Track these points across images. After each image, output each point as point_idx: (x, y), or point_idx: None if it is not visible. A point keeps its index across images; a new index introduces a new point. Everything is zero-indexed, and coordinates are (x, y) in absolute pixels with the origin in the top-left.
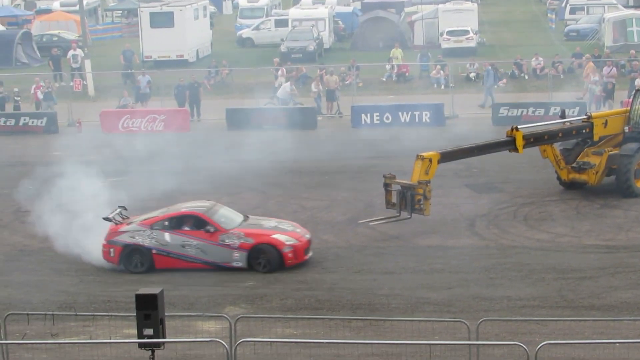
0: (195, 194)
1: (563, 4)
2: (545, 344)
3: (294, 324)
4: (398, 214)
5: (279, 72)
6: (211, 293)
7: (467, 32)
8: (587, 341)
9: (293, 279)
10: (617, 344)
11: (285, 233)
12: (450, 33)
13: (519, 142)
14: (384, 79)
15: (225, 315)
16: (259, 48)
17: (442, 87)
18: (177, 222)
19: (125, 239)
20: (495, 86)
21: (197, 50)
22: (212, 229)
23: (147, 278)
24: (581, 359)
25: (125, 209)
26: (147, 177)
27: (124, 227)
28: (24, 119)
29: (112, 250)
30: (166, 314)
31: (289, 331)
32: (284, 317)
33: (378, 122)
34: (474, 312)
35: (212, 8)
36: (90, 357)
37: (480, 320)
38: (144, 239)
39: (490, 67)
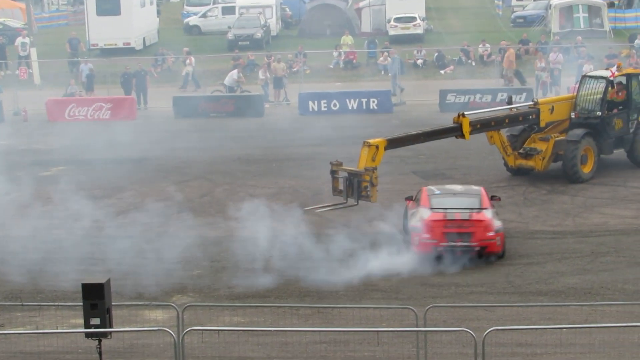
0: (142, 182)
1: None
2: (493, 330)
3: (242, 312)
4: (345, 201)
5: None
6: (159, 282)
7: (414, 18)
8: (535, 327)
9: (240, 267)
10: (564, 329)
11: None
12: (397, 20)
13: (466, 128)
14: (332, 66)
15: (172, 304)
16: (206, 35)
17: (390, 74)
18: None
19: None
20: (401, 74)
21: (144, 38)
22: None
23: (93, 267)
24: (528, 345)
25: None
26: (93, 166)
27: None
28: None
29: None
30: (113, 303)
31: (236, 319)
32: (232, 306)
33: (325, 109)
34: (422, 298)
35: None
36: (37, 347)
37: (428, 306)
38: None
39: (396, 55)
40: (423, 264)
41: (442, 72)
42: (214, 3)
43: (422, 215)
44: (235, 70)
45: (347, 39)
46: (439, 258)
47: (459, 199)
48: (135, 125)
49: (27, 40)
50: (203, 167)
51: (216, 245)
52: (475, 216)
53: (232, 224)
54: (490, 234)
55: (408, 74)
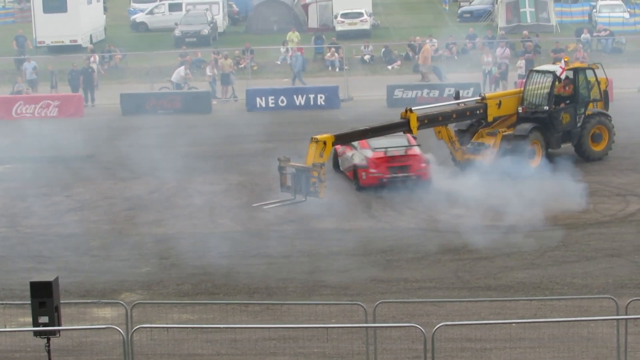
0: (90, 180)
1: None
2: (442, 325)
3: (191, 310)
4: (293, 197)
5: None
6: (107, 279)
7: (361, 14)
8: (484, 321)
9: (189, 264)
10: (514, 324)
11: None
12: (344, 15)
13: (413, 123)
14: (279, 62)
15: (121, 302)
16: (153, 32)
17: (337, 69)
18: None
19: None
20: (303, 71)
21: (91, 35)
22: None
23: (41, 265)
24: (478, 340)
25: None
26: (41, 164)
27: None
28: None
29: None
30: (61, 301)
31: (185, 317)
32: (181, 303)
33: (273, 105)
34: (371, 294)
35: None
36: None
37: (377, 302)
38: None
39: (298, 53)
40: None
41: (389, 67)
42: (160, 0)
43: (365, 155)
44: (183, 67)
45: (293, 36)
46: (382, 187)
47: (390, 139)
48: (83, 122)
49: None
50: (151, 164)
51: (165, 242)
52: (410, 152)
53: (180, 220)
54: (423, 164)
55: (355, 70)
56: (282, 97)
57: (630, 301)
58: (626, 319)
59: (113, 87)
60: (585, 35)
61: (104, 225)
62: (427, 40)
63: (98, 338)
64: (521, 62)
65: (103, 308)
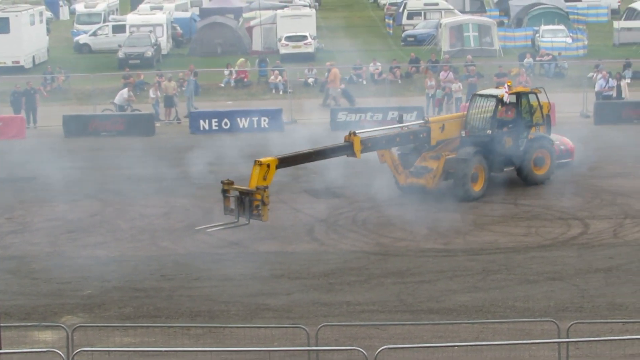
0: (32, 202)
1: (400, 10)
2: (385, 349)
3: (133, 333)
4: (236, 220)
5: None
6: (48, 302)
7: (305, 37)
8: (426, 345)
9: (131, 287)
10: (456, 347)
11: None
12: (288, 39)
13: (357, 147)
14: (223, 85)
15: (62, 325)
16: (96, 54)
17: (281, 92)
18: None
19: None
20: (196, 96)
21: (34, 56)
22: None
23: None
24: None
25: None
26: None
27: None
28: None
29: None
30: (1, 324)
31: (127, 340)
32: (122, 326)
33: (217, 127)
34: (314, 317)
35: (48, 13)
36: None
37: (320, 325)
38: None
39: (192, 77)
40: None
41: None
42: (104, 21)
43: None
44: (126, 89)
45: (241, 61)
46: None
47: None
48: (25, 144)
49: None
50: (93, 187)
51: (107, 264)
52: None
53: (122, 243)
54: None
55: (299, 93)
56: (225, 120)
57: (572, 324)
58: (567, 342)
59: (55, 109)
60: (528, 60)
61: (45, 247)
62: (372, 64)
63: None
64: (456, 86)
65: (44, 331)
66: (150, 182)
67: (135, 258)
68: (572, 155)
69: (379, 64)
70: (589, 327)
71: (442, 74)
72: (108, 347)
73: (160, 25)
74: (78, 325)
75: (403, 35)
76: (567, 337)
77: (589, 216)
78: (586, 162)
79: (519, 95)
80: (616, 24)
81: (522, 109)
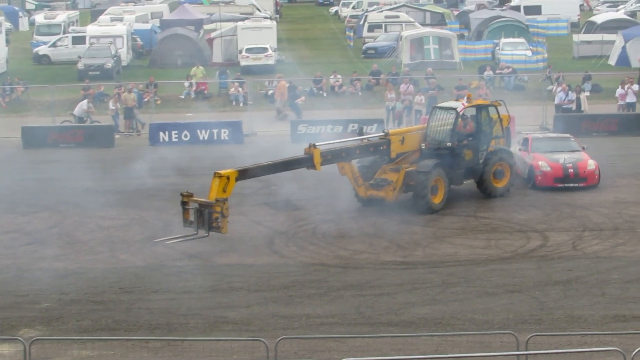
0: None
1: (361, 22)
2: None
3: (91, 346)
4: (195, 232)
5: None
6: (5, 315)
7: (265, 49)
8: (385, 357)
9: (90, 300)
10: None
11: None
12: (249, 50)
13: (317, 159)
14: (183, 97)
15: (19, 338)
16: (56, 65)
17: (241, 104)
18: None
19: None
20: (140, 108)
21: None
22: None
23: None
24: None
25: None
26: None
27: None
28: None
29: None
30: None
31: (85, 353)
32: (81, 339)
33: (176, 139)
34: (273, 330)
35: (7, 24)
36: None
37: (279, 338)
38: None
39: (136, 90)
40: None
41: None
42: (64, 32)
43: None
44: (85, 101)
45: (198, 71)
46: None
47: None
48: None
49: None
50: (52, 198)
51: (65, 277)
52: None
53: (81, 255)
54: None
55: (260, 105)
56: (185, 132)
57: (531, 337)
58: (526, 355)
59: (14, 120)
60: (488, 73)
61: (3, 260)
62: (332, 76)
63: None
64: (419, 98)
65: (1, 345)
66: (109, 194)
67: (93, 270)
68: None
69: (339, 76)
70: (547, 340)
71: (402, 87)
72: None
73: (121, 36)
74: (35, 338)
75: (364, 47)
76: (526, 350)
77: (548, 229)
78: None
79: (478, 108)
80: (576, 37)
81: (481, 122)
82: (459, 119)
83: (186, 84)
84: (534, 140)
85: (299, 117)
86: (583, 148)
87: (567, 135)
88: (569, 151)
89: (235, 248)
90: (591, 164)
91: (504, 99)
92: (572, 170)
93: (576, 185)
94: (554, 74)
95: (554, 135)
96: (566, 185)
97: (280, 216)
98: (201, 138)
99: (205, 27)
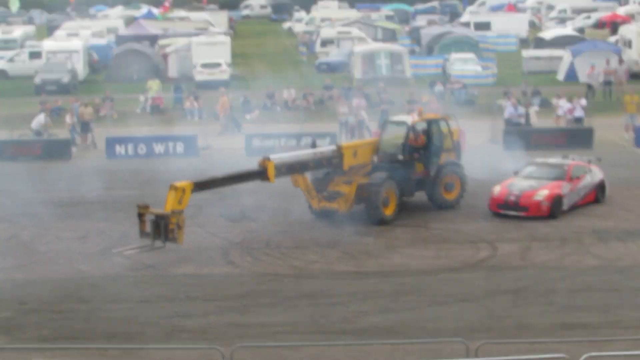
0: None
1: (314, 37)
2: None
3: (50, 354)
4: (152, 243)
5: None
6: None
7: (220, 64)
8: None
9: (49, 309)
10: None
11: None
12: (203, 65)
13: (271, 172)
14: (139, 111)
15: None
16: (13, 79)
17: (196, 118)
18: None
19: None
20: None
21: None
22: None
23: None
24: None
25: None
26: None
27: None
28: None
29: None
30: None
31: None
32: (40, 348)
33: (132, 153)
34: (229, 338)
35: None
36: None
37: (235, 346)
38: None
39: (75, 103)
40: None
41: (247, 117)
42: (21, 47)
43: None
44: (42, 114)
45: (154, 84)
46: None
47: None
48: None
49: None
50: (9, 210)
51: (24, 287)
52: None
53: (40, 266)
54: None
55: (214, 119)
56: (141, 145)
57: (480, 344)
58: None
59: None
60: (438, 87)
61: None
62: (285, 90)
63: None
64: (363, 113)
65: None
66: (66, 206)
67: (52, 281)
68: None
69: (292, 90)
70: (497, 347)
71: (355, 101)
72: None
73: (77, 51)
74: None
75: (317, 62)
76: (476, 357)
77: (497, 239)
78: (488, 186)
79: (429, 121)
80: (525, 53)
81: (432, 135)
82: (410, 133)
83: (142, 98)
84: (529, 164)
85: (239, 131)
86: (589, 161)
87: (566, 162)
88: (549, 178)
89: (191, 258)
90: (541, 195)
91: (455, 113)
92: (513, 198)
93: (515, 214)
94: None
95: (553, 161)
96: (506, 212)
97: (235, 228)
98: (157, 151)
99: (161, 42)
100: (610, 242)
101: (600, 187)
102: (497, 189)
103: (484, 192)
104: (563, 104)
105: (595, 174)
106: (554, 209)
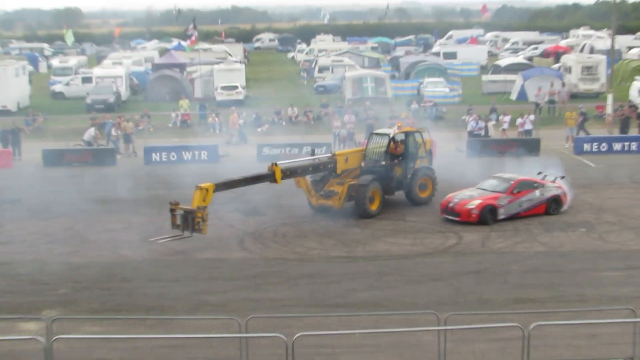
0: (18, 219)
1: (313, 65)
2: (300, 335)
3: (99, 323)
4: (182, 233)
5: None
6: (30, 299)
7: (236, 87)
8: (334, 332)
9: (98, 287)
10: (357, 334)
11: None
12: (223, 88)
13: (278, 175)
14: (171, 125)
15: (42, 317)
16: (68, 100)
17: (217, 131)
18: None
19: None
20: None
21: (18, 102)
22: None
23: None
24: (329, 346)
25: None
26: None
27: None
28: None
29: None
30: None
31: (95, 329)
32: (91, 318)
33: (166, 159)
34: (244, 310)
35: (30, 67)
36: None
37: (249, 317)
38: None
39: (109, 120)
40: None
41: (259, 130)
42: (75, 74)
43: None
44: (93, 128)
45: (184, 102)
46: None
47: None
48: (11, 172)
49: None
50: (66, 207)
51: (78, 269)
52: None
53: (91, 252)
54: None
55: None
56: (173, 153)
57: (449, 315)
58: (445, 330)
59: (36, 144)
60: (414, 106)
61: (28, 256)
62: (290, 108)
63: (24, 347)
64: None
65: (28, 322)
66: (112, 203)
67: (100, 264)
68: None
69: (295, 108)
70: (462, 318)
71: (346, 117)
72: (80, 335)
73: (120, 77)
74: (55, 317)
75: (315, 85)
76: (445, 326)
77: (462, 230)
78: (460, 185)
79: (407, 134)
80: (484, 77)
81: (409, 145)
82: (391, 143)
83: (173, 114)
84: (489, 177)
85: (246, 143)
86: (555, 179)
87: (515, 177)
88: (494, 191)
89: (213, 246)
90: (472, 204)
91: (427, 127)
92: (451, 205)
93: (452, 218)
94: (467, 106)
95: (506, 176)
96: (446, 216)
97: (249, 221)
98: (185, 158)
99: (188, 69)
100: (554, 232)
101: (554, 201)
102: (449, 196)
103: (451, 191)
104: (507, 119)
105: (549, 190)
106: (484, 217)
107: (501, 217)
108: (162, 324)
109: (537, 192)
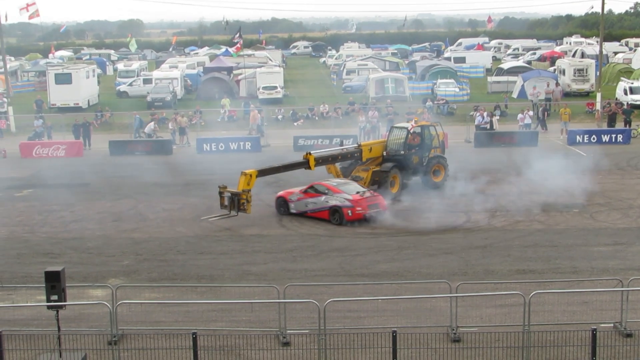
0: (87, 200)
1: (341, 68)
2: (331, 301)
3: (157, 290)
4: (229, 213)
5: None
6: (98, 270)
7: (276, 87)
8: (359, 298)
9: (156, 259)
10: (380, 300)
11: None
12: (264, 88)
13: (312, 162)
14: (219, 120)
15: (108, 285)
16: (132, 98)
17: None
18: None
19: None
20: (142, 128)
21: (88, 100)
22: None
23: (53, 260)
24: (355, 310)
25: None
26: (53, 189)
27: None
28: None
29: None
30: (67, 284)
31: (154, 295)
32: (150, 286)
33: (215, 149)
34: (282, 279)
35: (99, 70)
36: (13, 316)
37: (287, 285)
38: None
39: (137, 115)
40: None
41: (295, 124)
42: (137, 76)
43: (346, 197)
44: (152, 122)
45: (226, 101)
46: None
47: (354, 186)
48: (82, 161)
49: (5, 100)
50: (130, 190)
51: (139, 243)
52: (375, 193)
53: (150, 228)
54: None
55: (271, 125)
56: (221, 144)
57: (459, 284)
58: (456, 297)
59: (104, 136)
60: (429, 103)
61: (97, 232)
62: (322, 105)
63: (92, 310)
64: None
65: (96, 289)
66: (169, 186)
67: (159, 239)
68: None
69: (326, 105)
70: (471, 286)
71: (370, 113)
72: (141, 300)
73: (176, 78)
74: (120, 285)
75: (343, 86)
76: (456, 293)
77: (470, 210)
78: (469, 171)
79: (422, 127)
80: (489, 79)
81: (424, 137)
82: (409, 135)
83: (222, 110)
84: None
85: (264, 136)
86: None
87: (335, 180)
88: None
89: (256, 223)
90: (278, 194)
91: (440, 121)
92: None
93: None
94: (475, 104)
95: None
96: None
97: None
98: (232, 148)
99: (235, 71)
100: (551, 212)
101: (336, 211)
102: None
103: (461, 176)
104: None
105: (334, 198)
106: (277, 207)
107: (292, 211)
108: (211, 291)
109: (323, 198)
